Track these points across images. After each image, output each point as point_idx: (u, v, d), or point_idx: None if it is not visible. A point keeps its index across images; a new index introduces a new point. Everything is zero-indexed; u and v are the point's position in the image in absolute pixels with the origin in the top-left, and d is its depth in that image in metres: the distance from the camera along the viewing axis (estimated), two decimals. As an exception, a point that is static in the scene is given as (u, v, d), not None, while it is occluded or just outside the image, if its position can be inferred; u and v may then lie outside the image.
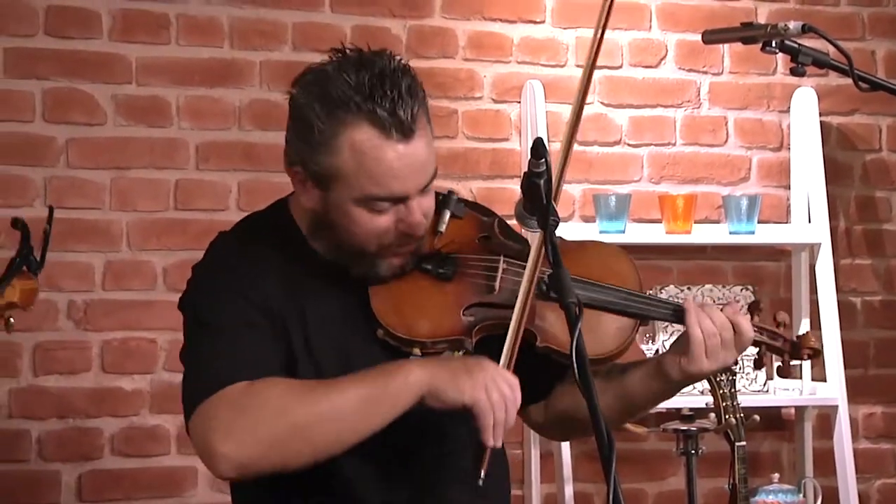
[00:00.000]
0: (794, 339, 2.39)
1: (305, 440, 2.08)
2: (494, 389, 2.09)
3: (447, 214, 2.24)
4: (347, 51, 2.18)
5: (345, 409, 2.08)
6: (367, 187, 2.13)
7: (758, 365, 2.39)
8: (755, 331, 2.32)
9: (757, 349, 2.38)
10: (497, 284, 2.25)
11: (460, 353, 2.21)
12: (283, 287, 2.20)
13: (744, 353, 2.32)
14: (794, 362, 2.40)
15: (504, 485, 2.36)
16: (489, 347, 2.20)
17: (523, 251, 2.24)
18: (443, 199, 2.27)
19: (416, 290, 2.22)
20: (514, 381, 2.12)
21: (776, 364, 2.41)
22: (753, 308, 2.36)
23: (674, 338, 3.95)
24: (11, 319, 3.05)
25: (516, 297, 2.16)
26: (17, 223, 3.01)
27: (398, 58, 2.17)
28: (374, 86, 2.10)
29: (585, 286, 2.25)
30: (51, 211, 3.08)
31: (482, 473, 2.08)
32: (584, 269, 2.27)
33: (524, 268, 2.18)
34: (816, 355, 2.40)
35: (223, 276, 2.20)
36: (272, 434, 2.06)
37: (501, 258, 2.27)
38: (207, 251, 2.29)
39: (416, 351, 2.18)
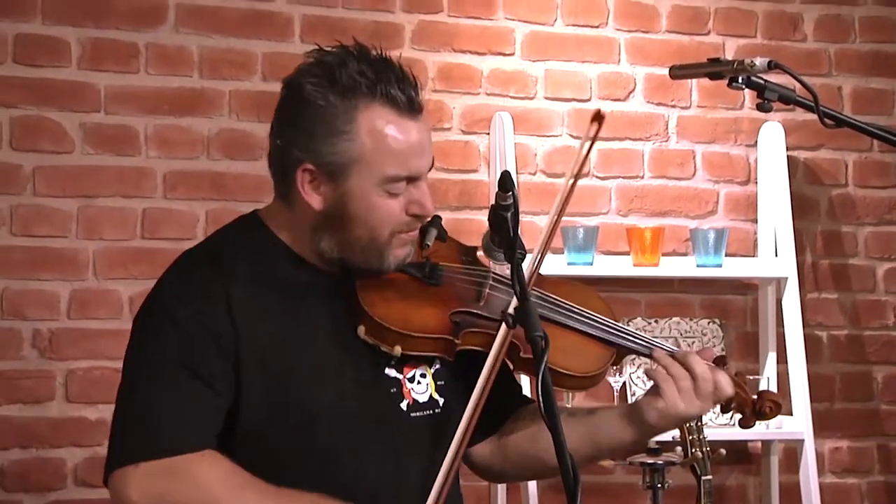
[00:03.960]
0: (755, 397, 2.42)
1: None
2: None
3: (433, 233, 2.24)
4: (326, 48, 2.19)
5: None
6: (387, 167, 2.14)
7: (724, 410, 2.42)
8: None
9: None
10: (484, 296, 2.25)
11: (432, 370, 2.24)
12: (256, 300, 2.15)
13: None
14: (756, 422, 2.43)
15: None
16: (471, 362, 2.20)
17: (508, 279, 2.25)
18: (430, 221, 2.28)
19: (405, 289, 2.22)
20: None
21: (737, 416, 2.43)
22: (719, 362, 2.36)
23: (640, 371, 3.99)
24: None
25: (500, 312, 2.16)
26: None
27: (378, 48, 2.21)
28: (378, 70, 2.16)
29: (576, 313, 2.29)
30: None
31: None
32: (571, 299, 2.32)
33: (510, 292, 2.16)
34: (778, 408, 2.42)
35: (178, 306, 2.14)
36: None
37: (490, 274, 2.29)
38: (171, 271, 2.24)
39: (397, 349, 2.17)
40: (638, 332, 2.35)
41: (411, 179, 2.17)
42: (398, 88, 2.15)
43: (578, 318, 2.31)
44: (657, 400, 2.27)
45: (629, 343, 2.33)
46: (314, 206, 2.17)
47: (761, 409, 2.41)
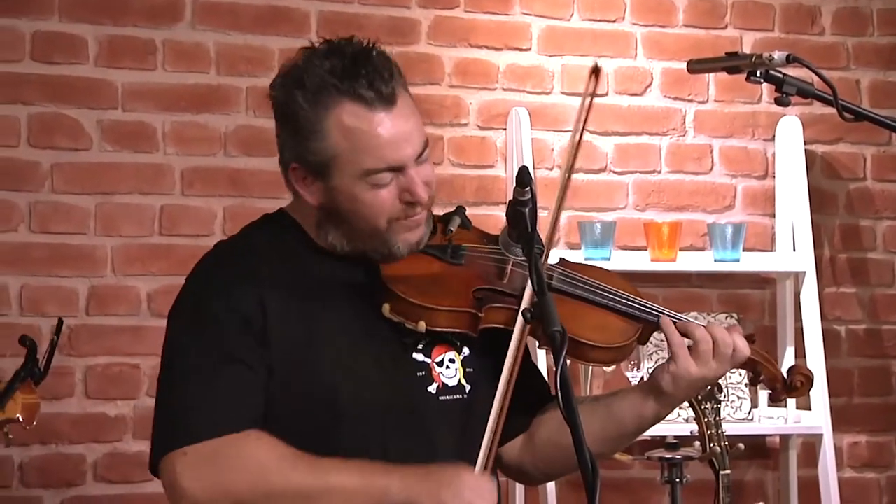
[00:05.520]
0: (786, 372, 2.40)
1: None
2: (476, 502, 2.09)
3: (457, 220, 2.28)
4: (316, 44, 2.20)
5: (317, 495, 2.08)
6: (363, 162, 2.14)
7: (753, 382, 2.40)
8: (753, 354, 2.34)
9: (751, 371, 2.39)
10: (507, 273, 2.26)
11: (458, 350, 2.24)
12: (283, 295, 2.18)
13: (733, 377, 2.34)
14: (787, 397, 2.42)
15: None
16: (494, 344, 2.20)
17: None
18: (454, 210, 2.31)
19: (428, 268, 2.24)
20: (492, 488, 2.12)
21: (767, 391, 2.42)
22: (748, 340, 2.34)
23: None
24: (10, 435, 3.08)
25: (523, 288, 2.15)
26: (25, 341, 3.06)
27: (367, 40, 2.19)
28: (348, 67, 2.15)
29: (594, 287, 2.30)
30: (60, 323, 3.12)
31: None
32: (594, 277, 2.33)
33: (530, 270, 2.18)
34: (809, 383, 2.40)
35: (211, 295, 2.18)
36: (243, 495, 2.08)
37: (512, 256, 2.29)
38: (202, 265, 2.27)
39: (422, 325, 2.18)
40: (661, 306, 2.34)
41: (395, 169, 2.17)
42: (366, 84, 2.13)
43: (601, 293, 2.32)
44: (669, 365, 2.27)
45: (651, 316, 2.32)
46: (311, 202, 2.21)
47: (792, 383, 2.39)
